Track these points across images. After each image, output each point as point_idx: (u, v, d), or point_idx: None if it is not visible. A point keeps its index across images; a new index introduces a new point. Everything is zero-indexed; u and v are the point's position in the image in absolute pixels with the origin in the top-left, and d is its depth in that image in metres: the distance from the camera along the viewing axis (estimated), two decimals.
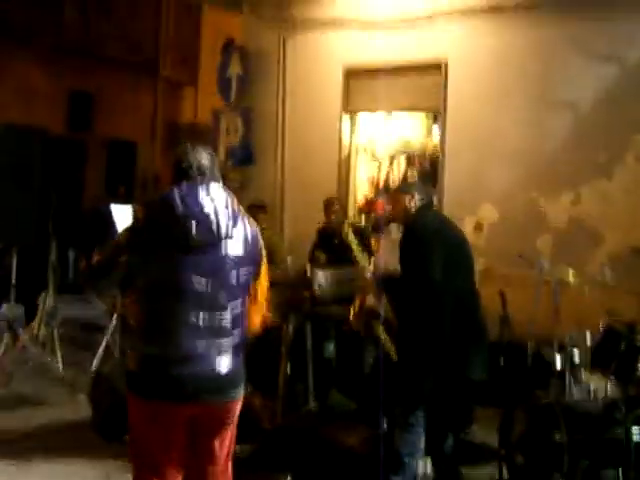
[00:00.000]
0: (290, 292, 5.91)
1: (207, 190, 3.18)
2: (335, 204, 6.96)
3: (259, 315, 4.35)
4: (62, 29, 11.72)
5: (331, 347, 6.08)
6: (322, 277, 5.61)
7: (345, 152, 8.37)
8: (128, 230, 3.22)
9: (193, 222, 3.10)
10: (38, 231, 7.58)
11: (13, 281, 7.37)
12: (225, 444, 3.33)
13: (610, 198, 6.72)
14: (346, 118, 8.34)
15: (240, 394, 3.29)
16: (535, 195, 7.08)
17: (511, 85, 7.23)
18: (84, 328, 8.88)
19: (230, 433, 3.34)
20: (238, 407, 3.31)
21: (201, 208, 3.13)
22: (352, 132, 8.43)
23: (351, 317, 5.03)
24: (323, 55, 8.50)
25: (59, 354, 7.08)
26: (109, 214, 3.80)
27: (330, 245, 6.72)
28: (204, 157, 3.28)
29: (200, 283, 3.13)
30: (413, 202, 4.57)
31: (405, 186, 4.87)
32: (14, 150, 7.56)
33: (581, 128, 6.91)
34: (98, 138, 12.43)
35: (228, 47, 9.47)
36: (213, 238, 3.15)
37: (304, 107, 8.60)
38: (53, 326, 7.22)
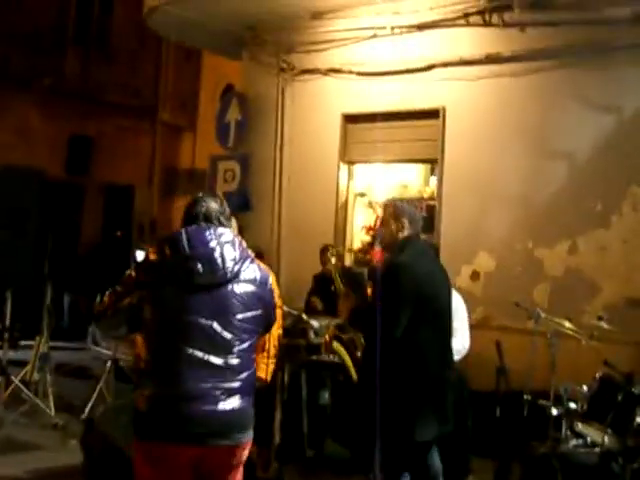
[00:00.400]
0: (286, 339, 5.89)
1: (214, 233, 3.26)
2: (330, 251, 6.96)
3: (266, 364, 4.40)
4: (63, 73, 11.86)
5: (326, 395, 6.04)
6: (317, 326, 5.59)
7: (342, 199, 8.39)
8: (138, 268, 3.26)
9: (198, 263, 3.16)
10: (34, 274, 7.57)
11: (7, 324, 7.34)
12: None
13: (607, 248, 6.72)
14: (344, 167, 8.38)
15: (247, 438, 3.27)
16: (532, 244, 7.07)
17: (509, 133, 7.28)
18: (77, 373, 8.83)
19: (236, 478, 3.33)
20: (245, 452, 3.29)
21: (207, 249, 3.20)
22: (349, 179, 8.47)
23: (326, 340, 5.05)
24: (321, 103, 8.57)
25: (51, 399, 7.02)
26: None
27: (326, 292, 6.71)
28: (213, 205, 3.38)
29: (206, 324, 3.16)
30: (401, 230, 4.31)
31: (396, 210, 4.41)
32: (12, 192, 7.59)
33: (578, 177, 6.94)
34: (96, 182, 12.51)
35: (227, 93, 9.56)
36: (219, 279, 3.20)
37: (302, 154, 8.64)
38: (46, 370, 7.18)
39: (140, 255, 3.98)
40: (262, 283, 3.35)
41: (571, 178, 6.98)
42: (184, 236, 3.20)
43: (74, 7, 12.47)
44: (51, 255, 7.52)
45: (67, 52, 11.96)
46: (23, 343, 8.40)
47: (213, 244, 3.21)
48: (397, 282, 4.09)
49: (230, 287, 3.23)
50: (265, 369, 5.07)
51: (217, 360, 3.16)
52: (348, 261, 8.22)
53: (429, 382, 4.14)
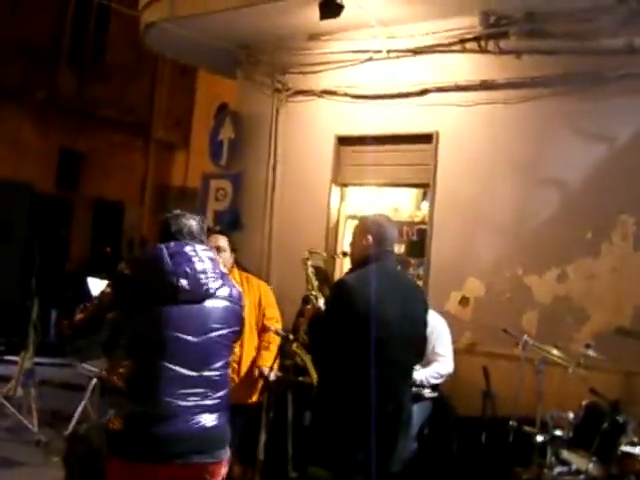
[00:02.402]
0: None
1: (194, 250, 3.26)
2: (308, 256, 6.90)
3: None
4: (57, 87, 11.88)
5: (309, 416, 6.00)
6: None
7: (333, 221, 8.39)
8: (113, 287, 3.21)
9: (181, 279, 3.16)
10: (21, 289, 7.53)
11: None
12: None
13: (596, 276, 6.71)
14: (336, 189, 8.39)
15: (224, 455, 3.28)
16: (521, 271, 7.07)
17: (501, 160, 7.30)
18: (61, 389, 8.76)
19: None
20: (222, 470, 3.29)
21: (189, 266, 3.19)
22: (341, 201, 8.48)
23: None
24: (315, 124, 8.59)
25: (35, 415, 6.97)
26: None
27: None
28: (192, 222, 3.39)
29: (185, 341, 3.15)
30: (366, 247, 4.09)
31: (367, 223, 4.20)
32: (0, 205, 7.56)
33: (569, 206, 6.95)
34: (85, 197, 12.49)
35: (221, 111, 9.57)
36: (201, 295, 3.21)
37: (294, 175, 8.65)
38: (30, 386, 7.13)
39: (94, 284, 3.91)
40: (237, 299, 3.38)
41: (562, 206, 7.00)
42: (165, 252, 3.20)
43: (70, 22, 12.52)
44: (38, 270, 7.49)
45: (61, 66, 11.98)
46: (7, 358, 8.34)
47: (195, 260, 3.22)
48: (332, 301, 3.96)
49: (210, 303, 3.24)
50: (266, 358, 5.01)
51: (197, 377, 3.16)
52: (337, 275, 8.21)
53: (360, 412, 3.85)
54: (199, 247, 3.29)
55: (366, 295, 3.88)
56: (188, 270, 3.18)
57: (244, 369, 5.21)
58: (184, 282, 3.16)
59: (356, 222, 8.36)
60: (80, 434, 5.88)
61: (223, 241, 5.04)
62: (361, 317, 3.86)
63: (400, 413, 4.07)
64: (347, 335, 3.85)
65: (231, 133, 9.13)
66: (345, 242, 8.42)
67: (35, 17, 11.64)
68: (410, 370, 4.32)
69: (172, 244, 3.25)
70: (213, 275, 3.25)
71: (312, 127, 8.61)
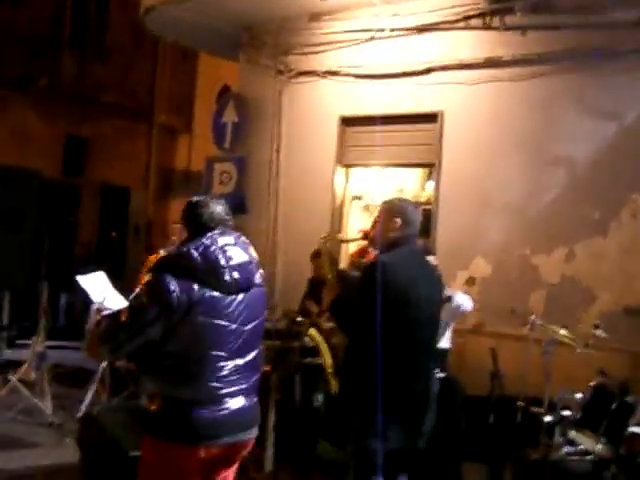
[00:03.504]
0: (280, 342, 5.90)
1: (236, 240, 3.32)
2: (323, 255, 6.92)
3: None
4: (59, 74, 11.86)
5: (320, 397, 6.04)
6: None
7: (338, 202, 8.38)
8: (163, 284, 3.12)
9: (234, 273, 3.22)
10: (31, 274, 7.57)
11: (5, 324, 7.36)
12: (231, 476, 3.45)
13: (604, 256, 6.67)
14: (340, 170, 8.38)
15: (256, 431, 3.42)
16: (529, 250, 7.04)
17: (507, 139, 7.26)
18: (73, 372, 8.83)
19: (235, 467, 3.47)
20: (252, 443, 3.43)
21: (237, 258, 3.26)
22: (346, 182, 8.46)
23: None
24: (319, 105, 8.56)
25: (48, 397, 7.06)
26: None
27: (320, 295, 6.69)
28: (221, 209, 3.39)
29: (234, 330, 3.23)
30: (394, 230, 4.12)
31: (394, 207, 4.22)
32: (8, 193, 7.59)
33: (577, 184, 6.90)
34: (92, 183, 12.50)
35: (224, 94, 9.54)
36: (247, 286, 3.30)
37: (298, 156, 8.64)
38: (43, 369, 7.21)
39: (87, 281, 3.80)
40: (265, 284, 3.47)
41: (569, 185, 6.95)
42: (216, 246, 3.21)
43: (70, 8, 12.48)
44: (47, 255, 7.53)
45: (63, 53, 11.96)
46: (20, 342, 8.41)
47: (242, 251, 3.29)
48: (371, 282, 3.94)
49: (253, 291, 3.34)
50: None
51: (241, 363, 3.26)
52: (343, 258, 8.22)
53: (393, 391, 3.92)
54: (237, 236, 3.34)
55: (404, 277, 3.98)
56: (239, 262, 3.25)
57: None
58: (237, 275, 3.22)
59: (363, 203, 8.53)
60: (92, 416, 5.96)
61: None
62: (400, 298, 3.96)
63: (428, 392, 4.15)
64: (385, 315, 3.88)
65: (234, 116, 9.11)
66: (350, 223, 8.44)
67: (35, 4, 11.61)
68: (435, 351, 4.40)
69: (217, 236, 3.25)
70: (255, 264, 3.35)
71: (316, 108, 8.58)
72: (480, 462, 5.44)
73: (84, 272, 3.91)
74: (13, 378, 7.16)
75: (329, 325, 4.60)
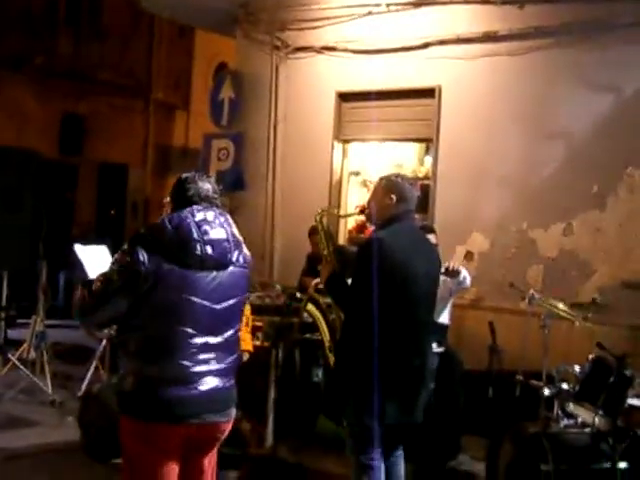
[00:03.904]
0: (279, 318, 5.92)
1: (217, 216, 3.27)
2: (319, 231, 6.93)
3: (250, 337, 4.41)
4: (55, 52, 11.79)
5: (319, 372, 6.07)
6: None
7: (336, 178, 8.37)
8: (131, 252, 3.13)
9: (207, 247, 3.18)
10: (29, 254, 7.58)
11: (4, 303, 7.37)
12: (212, 462, 3.41)
13: (602, 230, 6.69)
14: (338, 145, 8.36)
15: (232, 415, 3.36)
16: (526, 225, 7.06)
17: (505, 113, 7.24)
18: (73, 350, 8.87)
19: (215, 452, 3.42)
20: (229, 427, 3.38)
21: (215, 234, 3.21)
22: (343, 158, 8.45)
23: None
24: (316, 81, 8.52)
25: (48, 376, 7.09)
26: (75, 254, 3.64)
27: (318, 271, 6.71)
28: (209, 186, 3.37)
29: (206, 307, 3.19)
30: (389, 206, 4.13)
31: (390, 183, 4.21)
32: (6, 172, 7.58)
33: (575, 158, 6.90)
34: (89, 161, 12.47)
35: (220, 71, 9.50)
36: (223, 263, 3.24)
37: (296, 132, 8.61)
38: (42, 348, 7.23)
39: (83, 251, 3.74)
40: (248, 265, 3.40)
41: (567, 159, 6.95)
42: (191, 219, 3.18)
43: None
44: (46, 234, 7.53)
45: (59, 31, 11.88)
46: (19, 322, 8.44)
47: (219, 227, 3.24)
48: (367, 258, 3.94)
49: (230, 270, 3.28)
50: (249, 341, 5.20)
51: (213, 342, 3.21)
52: (341, 234, 8.24)
53: (390, 367, 3.96)
54: (219, 213, 3.30)
55: (401, 253, 4.00)
56: (214, 238, 3.19)
57: None
58: (210, 250, 3.17)
59: (361, 178, 8.52)
60: (93, 394, 6.00)
61: None
62: (397, 275, 3.96)
63: (424, 367, 4.17)
64: (382, 291, 3.90)
65: (231, 92, 9.07)
66: (349, 199, 8.44)
67: None
68: (431, 326, 4.40)
69: (196, 211, 3.22)
70: (233, 242, 3.28)
71: (313, 84, 8.55)
72: (479, 435, 5.48)
73: (85, 243, 3.87)
74: (13, 358, 7.19)
75: (327, 301, 4.61)
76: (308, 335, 5.89)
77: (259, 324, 5.83)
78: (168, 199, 3.40)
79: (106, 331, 7.25)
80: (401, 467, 4.32)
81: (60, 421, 6.50)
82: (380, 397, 3.93)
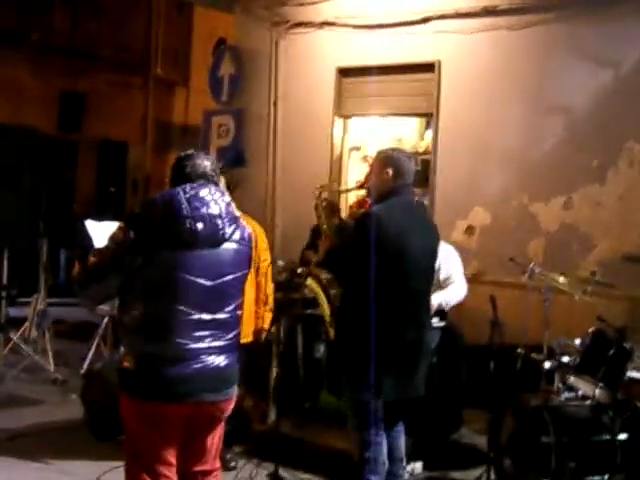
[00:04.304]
0: (281, 294, 5.93)
1: (210, 193, 3.24)
2: (318, 206, 6.90)
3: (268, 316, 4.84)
4: (52, 30, 11.71)
5: (322, 348, 6.08)
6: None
7: (337, 153, 8.36)
8: (125, 230, 3.15)
9: (198, 224, 3.15)
10: (30, 231, 7.58)
11: (5, 282, 7.38)
12: (215, 441, 3.40)
13: (602, 204, 6.71)
14: (338, 121, 8.34)
15: (233, 393, 3.36)
16: (527, 199, 7.07)
17: (505, 88, 7.23)
18: (75, 328, 8.89)
19: (220, 431, 3.42)
20: (232, 405, 3.38)
21: (207, 210, 3.19)
22: (344, 133, 8.43)
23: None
24: (316, 56, 8.49)
25: (50, 354, 7.11)
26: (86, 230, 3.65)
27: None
28: (206, 163, 3.36)
29: (200, 285, 3.17)
30: (387, 181, 4.13)
31: (386, 157, 4.22)
32: (5, 150, 7.56)
33: (575, 132, 6.90)
34: (89, 138, 12.43)
35: (220, 47, 9.45)
36: (216, 240, 3.22)
37: (296, 108, 8.59)
38: (44, 327, 7.25)
39: (94, 227, 3.75)
40: (249, 241, 3.39)
41: (568, 133, 6.95)
42: (182, 195, 3.17)
43: None
44: (46, 212, 7.53)
45: (55, 7, 11.79)
46: (21, 300, 8.45)
47: (212, 204, 3.21)
48: (363, 233, 3.95)
49: (225, 247, 3.26)
50: (267, 320, 5.19)
51: (210, 319, 3.21)
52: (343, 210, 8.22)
53: (386, 342, 3.97)
54: (214, 190, 3.28)
55: (395, 227, 4.00)
56: (205, 214, 3.17)
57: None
58: (201, 226, 3.15)
59: (361, 153, 8.51)
60: (95, 372, 6.02)
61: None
62: (391, 248, 3.97)
63: (421, 341, 4.18)
64: (377, 266, 3.90)
65: (231, 69, 9.04)
66: (349, 174, 8.43)
67: None
68: (429, 302, 4.41)
69: (188, 187, 3.21)
70: (228, 219, 3.25)
71: (313, 59, 8.52)
72: (481, 409, 5.51)
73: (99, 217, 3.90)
74: (15, 337, 7.19)
75: (327, 276, 4.62)
76: (310, 310, 5.89)
77: None
78: (167, 178, 3.41)
79: (107, 308, 7.30)
80: (402, 441, 4.35)
81: (63, 399, 6.53)
82: (377, 372, 3.94)
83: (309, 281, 4.84)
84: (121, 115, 12.45)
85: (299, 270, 5.96)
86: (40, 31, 11.43)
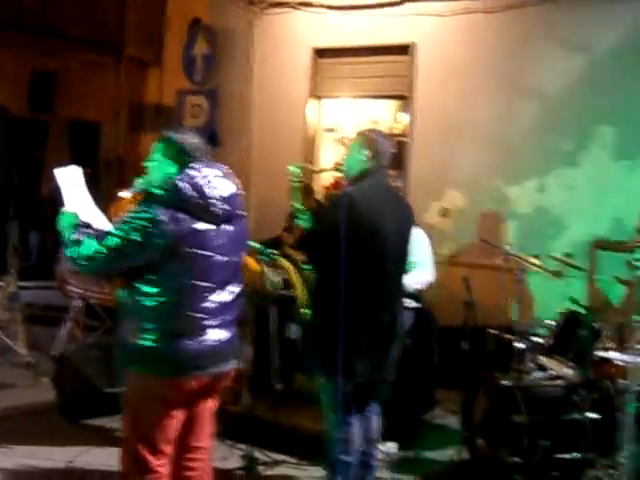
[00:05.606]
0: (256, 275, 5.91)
1: (221, 171, 3.31)
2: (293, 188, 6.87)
3: None
4: (23, 8, 11.52)
5: (295, 329, 6.08)
6: (275, 280, 5.58)
7: (311, 134, 8.35)
8: (150, 212, 3.12)
9: (219, 203, 3.21)
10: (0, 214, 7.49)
11: None
12: (212, 414, 3.51)
13: (574, 187, 6.78)
14: (313, 102, 8.31)
15: (235, 363, 3.47)
16: (501, 182, 7.13)
17: (480, 71, 7.25)
18: (47, 311, 8.81)
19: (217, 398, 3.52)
20: (233, 372, 3.49)
21: (223, 188, 3.25)
22: (319, 114, 8.41)
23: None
24: (290, 36, 8.44)
25: (22, 338, 7.03)
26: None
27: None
28: (198, 140, 3.39)
29: (219, 260, 3.24)
30: (363, 161, 4.11)
31: (363, 138, 4.21)
32: None
33: (549, 116, 6.95)
34: (60, 119, 12.27)
35: (194, 26, 9.38)
36: (233, 217, 3.30)
37: (271, 89, 8.55)
38: (15, 310, 7.17)
39: (64, 174, 3.62)
40: (246, 218, 3.46)
41: (541, 117, 7.00)
42: (200, 175, 3.19)
43: None
44: (16, 193, 7.43)
45: None
46: None
47: (226, 182, 3.28)
48: (338, 214, 3.91)
49: (238, 223, 3.34)
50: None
51: (226, 294, 3.29)
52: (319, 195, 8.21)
53: (359, 324, 3.98)
54: (221, 167, 3.34)
55: (370, 208, 3.98)
56: (225, 193, 3.24)
57: None
58: (223, 206, 3.22)
59: (336, 135, 8.49)
60: (67, 355, 5.98)
61: None
62: (365, 230, 3.96)
63: (394, 324, 4.18)
64: (350, 247, 3.87)
65: (205, 48, 8.98)
66: (323, 155, 8.42)
67: None
68: (402, 284, 4.40)
69: (201, 167, 3.24)
70: (239, 196, 3.34)
71: (288, 40, 8.47)
72: (454, 389, 5.55)
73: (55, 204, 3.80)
74: None
75: (301, 257, 4.61)
76: (283, 292, 5.89)
77: None
78: (156, 159, 3.36)
79: (81, 290, 7.24)
80: (376, 423, 4.36)
81: (35, 383, 6.47)
82: (350, 355, 3.95)
83: (283, 262, 4.83)
84: (93, 95, 12.28)
85: (273, 252, 5.94)
86: (11, 10, 11.24)
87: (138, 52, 12.49)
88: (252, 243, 6.30)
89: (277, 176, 7.12)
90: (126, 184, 3.70)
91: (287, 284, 5.64)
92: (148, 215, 3.12)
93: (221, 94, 8.86)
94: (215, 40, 8.90)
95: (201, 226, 3.17)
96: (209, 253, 3.20)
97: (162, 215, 3.10)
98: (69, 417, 5.64)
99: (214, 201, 3.19)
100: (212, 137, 8.71)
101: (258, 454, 4.99)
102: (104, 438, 5.12)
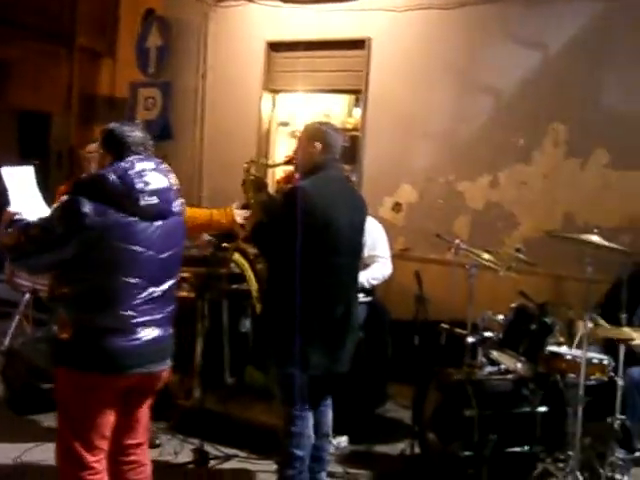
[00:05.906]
0: (206, 269, 5.86)
1: (157, 165, 3.26)
2: (246, 181, 6.84)
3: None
4: None
5: (247, 323, 6.06)
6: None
7: (265, 128, 8.31)
8: (75, 203, 3.08)
9: (153, 197, 3.16)
10: None
11: None
12: (147, 413, 3.46)
13: (527, 183, 6.84)
14: (267, 95, 8.27)
15: (169, 364, 3.41)
16: (454, 177, 7.17)
17: (434, 67, 7.27)
18: None
19: (151, 402, 3.47)
20: (168, 375, 3.45)
21: (158, 183, 3.20)
22: (273, 108, 8.38)
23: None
24: (245, 30, 8.39)
25: None
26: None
27: None
28: (140, 134, 3.34)
29: (151, 257, 3.18)
30: (314, 154, 4.09)
31: (312, 130, 4.21)
32: None
33: (502, 112, 7.00)
34: (9, 108, 12.04)
35: (148, 17, 9.27)
36: (167, 213, 3.24)
37: (225, 82, 8.49)
38: None
39: (10, 173, 3.54)
40: (183, 214, 3.43)
41: (494, 113, 7.05)
42: (133, 169, 3.15)
43: None
44: None
45: None
46: None
47: (162, 176, 3.24)
48: (290, 207, 3.92)
49: (171, 220, 3.28)
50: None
51: (154, 292, 3.22)
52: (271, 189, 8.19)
53: (313, 316, 3.97)
54: (159, 162, 3.30)
55: (323, 201, 3.97)
56: (157, 188, 3.19)
57: None
58: (154, 201, 3.16)
59: (290, 129, 8.46)
60: (16, 349, 5.89)
61: None
62: (318, 222, 3.94)
63: (349, 317, 4.17)
64: (303, 241, 3.87)
65: (158, 40, 8.88)
66: (277, 149, 8.39)
67: None
68: (357, 276, 4.40)
69: (136, 160, 3.20)
70: (174, 191, 3.30)
71: (242, 33, 8.42)
72: (406, 383, 5.57)
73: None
74: None
75: (254, 251, 4.58)
76: (236, 286, 5.85)
77: (186, 275, 5.77)
78: (100, 151, 3.36)
79: (29, 283, 7.11)
80: (329, 416, 4.36)
81: None
82: (304, 347, 3.94)
83: (236, 256, 4.80)
84: (44, 85, 12.07)
85: (224, 245, 5.90)
86: None
87: (90, 42, 12.29)
88: (206, 236, 6.29)
89: (230, 169, 7.10)
90: (76, 176, 3.67)
91: (240, 277, 5.60)
92: (72, 206, 3.07)
93: (175, 86, 8.77)
94: (169, 32, 8.81)
95: (130, 220, 3.11)
96: (138, 248, 3.14)
97: (87, 207, 3.05)
98: (17, 411, 5.55)
99: (144, 195, 3.13)
100: (165, 130, 8.63)
101: (209, 448, 4.95)
102: (53, 433, 5.03)
